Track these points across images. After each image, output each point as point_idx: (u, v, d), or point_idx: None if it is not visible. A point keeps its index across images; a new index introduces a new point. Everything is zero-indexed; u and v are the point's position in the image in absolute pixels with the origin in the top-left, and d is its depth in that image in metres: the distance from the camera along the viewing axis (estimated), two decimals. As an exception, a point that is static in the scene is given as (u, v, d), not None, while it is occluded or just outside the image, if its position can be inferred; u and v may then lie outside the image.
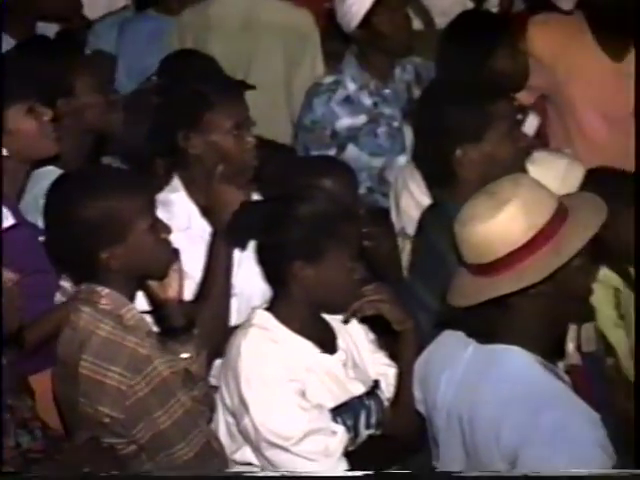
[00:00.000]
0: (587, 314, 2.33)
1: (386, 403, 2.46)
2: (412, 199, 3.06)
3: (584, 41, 3.40)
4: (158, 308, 2.38)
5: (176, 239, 2.37)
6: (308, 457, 2.29)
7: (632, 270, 2.83)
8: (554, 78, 3.43)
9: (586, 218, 2.11)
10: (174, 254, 2.36)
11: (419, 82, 3.51)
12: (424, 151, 2.68)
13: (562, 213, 2.11)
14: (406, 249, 2.92)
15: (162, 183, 2.73)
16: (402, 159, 3.47)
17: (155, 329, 2.36)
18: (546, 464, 1.99)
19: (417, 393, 2.33)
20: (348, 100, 3.55)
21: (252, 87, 2.76)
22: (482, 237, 2.09)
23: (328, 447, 2.30)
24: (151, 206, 2.31)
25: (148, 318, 2.37)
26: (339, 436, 2.33)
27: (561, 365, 2.34)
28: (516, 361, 2.10)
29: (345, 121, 3.54)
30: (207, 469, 2.22)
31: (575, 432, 2.00)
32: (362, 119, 3.54)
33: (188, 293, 2.47)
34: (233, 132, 2.63)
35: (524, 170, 2.54)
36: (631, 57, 3.36)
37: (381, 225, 3.09)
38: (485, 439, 2.09)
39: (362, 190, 3.44)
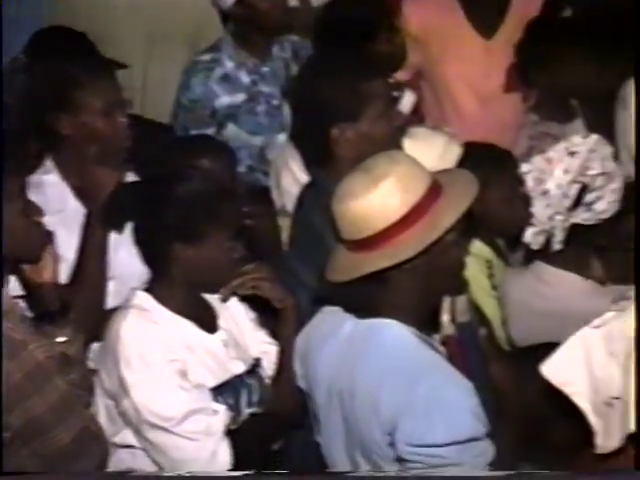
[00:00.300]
0: (461, 286, 2.38)
1: (267, 381, 2.47)
2: (292, 177, 3.07)
3: (456, 19, 3.46)
4: (32, 292, 2.34)
5: (50, 222, 2.33)
6: (190, 437, 2.28)
7: (501, 242, 2.91)
8: (429, 56, 3.48)
9: (459, 193, 2.15)
10: (48, 237, 2.31)
11: (297, 60, 3.51)
12: (301, 129, 2.68)
13: (436, 189, 2.15)
14: (286, 227, 2.93)
15: (35, 165, 2.67)
16: (282, 137, 3.47)
17: (30, 313, 2.32)
18: (423, 433, 2.04)
19: (298, 369, 2.35)
20: (226, 78, 3.53)
21: (124, 66, 2.72)
22: (358, 213, 2.12)
23: (210, 426, 2.30)
24: (23, 188, 2.26)
25: (22, 303, 2.32)
26: (220, 415, 2.33)
27: (437, 336, 2.38)
28: (393, 334, 2.14)
29: (224, 99, 3.52)
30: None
31: (449, 401, 2.05)
32: (241, 97, 3.53)
33: (63, 276, 2.44)
34: (104, 112, 2.59)
35: (400, 147, 2.57)
36: (501, 33, 3.43)
37: (261, 203, 3.10)
38: (365, 412, 2.12)
39: (242, 169, 3.44)
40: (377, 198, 2.10)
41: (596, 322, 1.95)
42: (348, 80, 2.56)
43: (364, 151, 2.43)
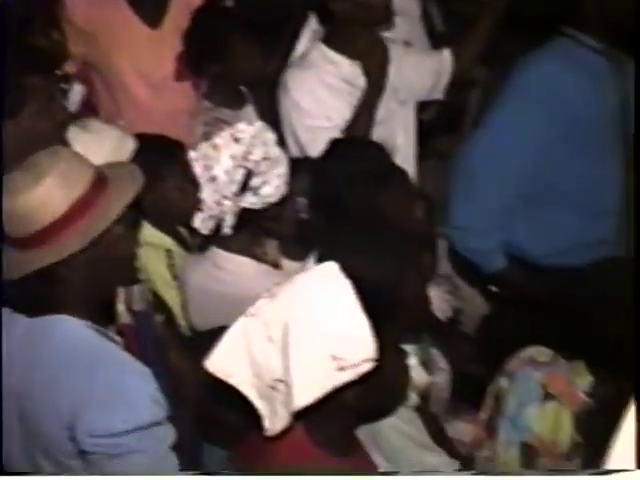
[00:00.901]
0: (134, 277, 2.39)
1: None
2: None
3: (120, 9, 3.42)
4: None
5: None
6: None
7: (185, 230, 2.94)
8: (98, 47, 3.43)
9: (123, 186, 2.18)
10: None
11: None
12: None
13: (101, 182, 2.16)
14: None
15: None
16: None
17: None
18: (103, 423, 2.06)
19: (-29, 376, 2.28)
20: None
21: None
22: (22, 210, 2.10)
23: None
24: None
25: None
26: None
27: (115, 326, 2.38)
28: (66, 329, 2.13)
29: None
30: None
31: (128, 389, 2.08)
32: None
33: None
34: None
35: (64, 142, 2.55)
36: (166, 22, 3.44)
37: None
38: (43, 410, 2.11)
39: None
40: (40, 194, 2.09)
41: (252, 310, 2.01)
42: (6, 75, 2.49)
43: (28, 147, 2.38)
